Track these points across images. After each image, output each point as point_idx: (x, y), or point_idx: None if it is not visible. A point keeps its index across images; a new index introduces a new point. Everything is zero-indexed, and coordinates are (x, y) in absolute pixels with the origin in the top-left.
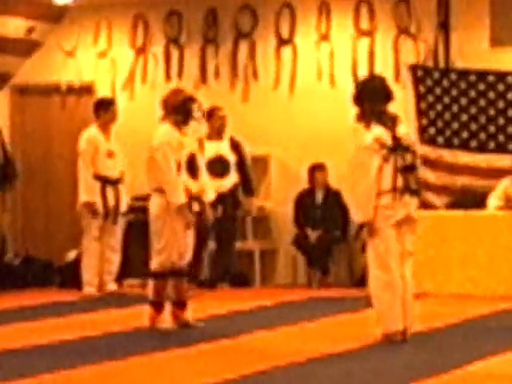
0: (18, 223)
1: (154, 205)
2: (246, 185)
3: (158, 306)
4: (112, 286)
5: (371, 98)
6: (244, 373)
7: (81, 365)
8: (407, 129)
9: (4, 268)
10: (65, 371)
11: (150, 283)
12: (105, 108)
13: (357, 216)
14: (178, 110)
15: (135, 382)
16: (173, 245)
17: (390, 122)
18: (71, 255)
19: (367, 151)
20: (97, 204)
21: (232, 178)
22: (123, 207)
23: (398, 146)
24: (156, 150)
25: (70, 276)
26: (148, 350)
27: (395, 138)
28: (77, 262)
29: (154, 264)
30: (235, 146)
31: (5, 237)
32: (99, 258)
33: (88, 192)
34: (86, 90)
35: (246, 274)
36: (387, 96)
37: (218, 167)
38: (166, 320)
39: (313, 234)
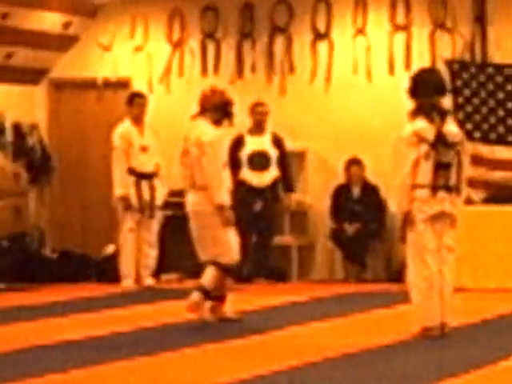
0: (56, 217)
1: (206, 202)
2: (286, 181)
3: (221, 298)
4: (149, 281)
5: (423, 91)
6: (279, 368)
7: (117, 359)
8: (456, 126)
9: (42, 262)
10: (101, 365)
11: (214, 276)
12: (132, 101)
13: (394, 207)
14: (218, 109)
15: (170, 375)
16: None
17: (439, 117)
18: (109, 249)
19: (404, 143)
20: (131, 198)
21: (273, 173)
22: (159, 201)
23: (439, 142)
24: (208, 147)
25: (108, 270)
26: (183, 344)
27: (439, 134)
28: (114, 256)
29: (225, 258)
30: (277, 142)
31: (43, 231)
32: (136, 252)
33: (122, 186)
34: (123, 84)
35: (283, 268)
36: (439, 90)
37: (259, 161)
38: (206, 313)
39: (350, 229)
